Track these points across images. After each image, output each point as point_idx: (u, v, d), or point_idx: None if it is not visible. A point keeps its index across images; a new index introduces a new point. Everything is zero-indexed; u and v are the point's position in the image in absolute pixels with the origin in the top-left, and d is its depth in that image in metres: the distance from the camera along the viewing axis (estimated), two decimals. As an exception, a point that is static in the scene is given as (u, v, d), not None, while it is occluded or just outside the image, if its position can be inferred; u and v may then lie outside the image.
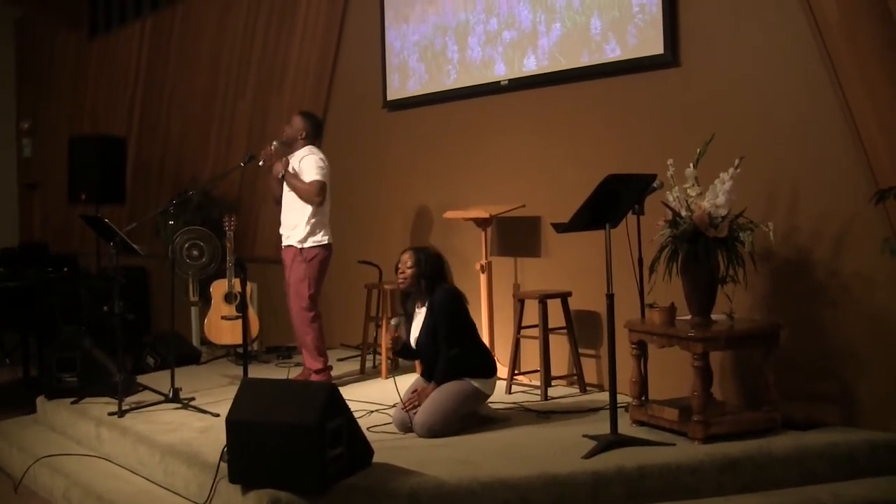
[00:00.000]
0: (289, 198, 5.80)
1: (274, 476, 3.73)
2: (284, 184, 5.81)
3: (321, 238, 5.77)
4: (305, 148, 5.84)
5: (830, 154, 4.54)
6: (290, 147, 5.87)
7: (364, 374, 6.32)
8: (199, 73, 9.26)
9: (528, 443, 4.38)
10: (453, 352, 4.64)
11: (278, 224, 5.97)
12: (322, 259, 5.79)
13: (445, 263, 4.89)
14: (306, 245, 5.73)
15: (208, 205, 8.05)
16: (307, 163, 5.74)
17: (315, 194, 5.67)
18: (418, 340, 4.82)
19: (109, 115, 10.74)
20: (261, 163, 5.87)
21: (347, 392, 4.89)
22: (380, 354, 6.39)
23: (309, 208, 5.71)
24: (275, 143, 5.88)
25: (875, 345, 4.42)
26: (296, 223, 5.75)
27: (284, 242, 5.86)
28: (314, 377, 5.71)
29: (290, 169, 5.76)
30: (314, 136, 5.93)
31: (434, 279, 4.79)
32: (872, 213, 4.30)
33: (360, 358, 6.49)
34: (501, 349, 5.89)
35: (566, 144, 5.77)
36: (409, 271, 4.79)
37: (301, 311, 5.75)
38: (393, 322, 4.89)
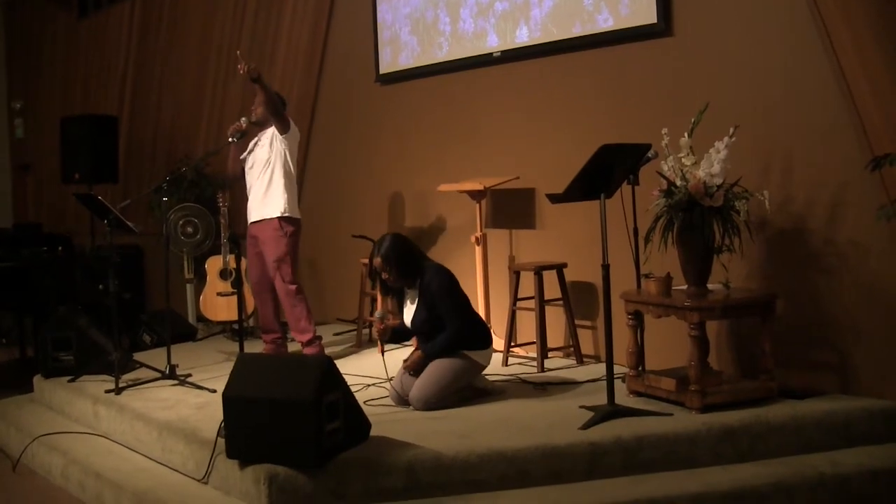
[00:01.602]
0: (256, 174, 5.75)
1: (271, 451, 3.73)
2: (250, 167, 5.78)
3: (296, 211, 5.74)
4: None
5: (825, 122, 4.51)
6: (261, 126, 5.83)
7: (360, 348, 6.32)
8: (190, 51, 9.18)
9: (525, 414, 4.39)
10: (455, 325, 4.63)
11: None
12: (299, 232, 5.77)
13: (407, 239, 4.83)
14: (286, 215, 5.66)
15: (201, 182, 8.02)
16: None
17: (281, 105, 5.64)
18: (413, 322, 4.78)
19: (101, 94, 10.67)
20: (230, 139, 5.78)
21: (344, 366, 4.90)
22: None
23: (282, 181, 5.66)
24: (243, 119, 5.82)
25: (871, 312, 4.42)
26: (271, 196, 5.68)
27: (256, 218, 5.75)
28: (306, 349, 5.69)
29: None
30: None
31: (415, 262, 4.74)
32: (867, 181, 4.29)
33: (356, 332, 6.49)
34: (497, 322, 5.89)
35: (560, 115, 5.74)
36: (392, 274, 4.71)
37: (286, 286, 5.66)
38: (377, 315, 4.86)
